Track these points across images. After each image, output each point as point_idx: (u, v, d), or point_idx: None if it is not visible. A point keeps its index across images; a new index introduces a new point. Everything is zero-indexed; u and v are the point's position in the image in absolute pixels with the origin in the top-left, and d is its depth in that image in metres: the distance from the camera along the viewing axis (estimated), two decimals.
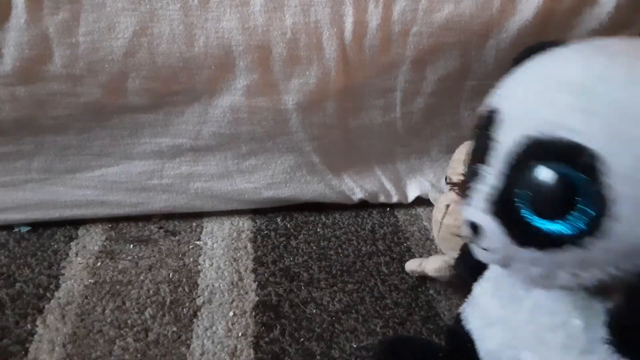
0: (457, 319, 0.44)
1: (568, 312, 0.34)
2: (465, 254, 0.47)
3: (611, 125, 0.28)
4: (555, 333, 0.34)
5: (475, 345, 0.40)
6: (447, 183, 0.64)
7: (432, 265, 0.61)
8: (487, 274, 0.42)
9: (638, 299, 0.31)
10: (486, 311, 0.40)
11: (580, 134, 0.28)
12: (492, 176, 0.33)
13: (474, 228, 0.34)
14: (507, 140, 0.32)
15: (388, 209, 0.78)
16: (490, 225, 0.33)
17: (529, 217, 0.31)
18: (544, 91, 0.31)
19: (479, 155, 0.34)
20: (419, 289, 0.63)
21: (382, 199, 0.78)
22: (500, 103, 0.34)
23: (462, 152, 0.64)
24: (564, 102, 0.30)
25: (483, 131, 0.35)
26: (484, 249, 0.34)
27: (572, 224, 0.29)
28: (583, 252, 0.29)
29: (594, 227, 0.28)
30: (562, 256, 0.30)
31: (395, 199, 0.78)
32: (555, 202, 0.30)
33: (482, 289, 0.42)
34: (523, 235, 0.31)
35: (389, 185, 0.78)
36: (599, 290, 0.33)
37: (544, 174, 0.29)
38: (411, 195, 0.78)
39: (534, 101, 0.32)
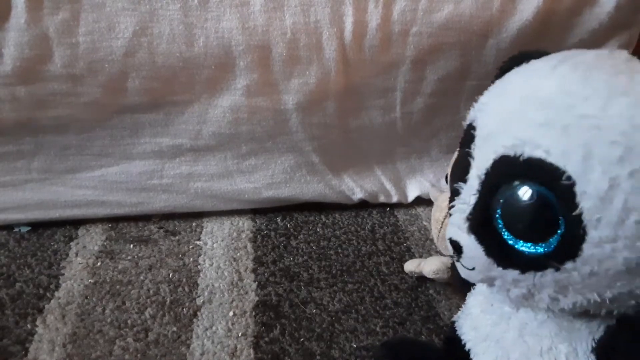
0: (452, 328, 0.44)
1: (553, 336, 0.34)
2: None
3: (585, 146, 0.27)
4: (543, 358, 0.34)
5: (471, 357, 0.40)
6: None
7: (429, 267, 0.61)
8: (479, 286, 0.42)
9: (626, 333, 0.31)
10: (478, 325, 0.40)
11: (554, 154, 0.27)
12: (469, 193, 0.32)
13: (456, 246, 0.33)
14: (481, 157, 0.31)
15: (388, 209, 0.78)
16: (471, 245, 0.32)
17: (507, 237, 0.30)
18: (518, 108, 0.30)
19: (459, 172, 0.34)
20: (419, 289, 0.63)
21: (382, 199, 0.78)
22: (476, 118, 0.34)
23: None
24: (537, 119, 0.29)
25: (462, 147, 0.34)
26: (467, 268, 0.34)
27: (548, 246, 0.28)
28: (561, 275, 0.29)
29: (570, 249, 0.28)
30: (542, 279, 0.30)
31: (395, 199, 0.78)
32: (531, 224, 0.29)
33: (475, 300, 0.42)
34: (503, 256, 0.31)
35: (389, 185, 0.78)
36: (583, 314, 0.32)
37: (518, 194, 0.29)
38: (411, 195, 0.78)
39: (507, 118, 0.31)
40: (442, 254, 0.66)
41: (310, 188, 0.75)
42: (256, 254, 0.68)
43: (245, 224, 0.74)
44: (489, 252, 0.31)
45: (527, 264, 0.30)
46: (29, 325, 0.57)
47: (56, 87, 0.61)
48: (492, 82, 0.37)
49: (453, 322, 0.44)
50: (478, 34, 0.66)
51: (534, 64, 0.33)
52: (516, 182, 0.29)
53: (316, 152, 0.73)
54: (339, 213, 0.77)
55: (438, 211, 0.62)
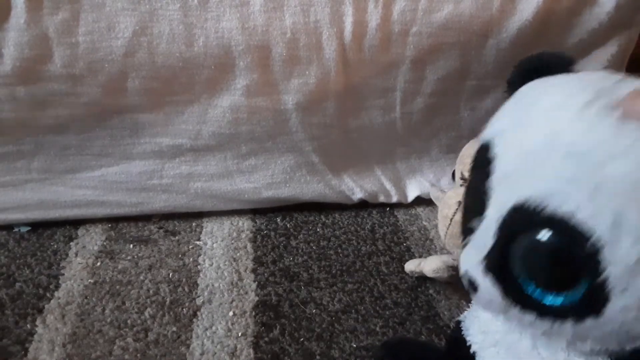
0: (458, 328, 0.43)
1: (570, 351, 0.33)
2: None
3: (617, 211, 0.25)
4: None
5: (476, 358, 0.40)
6: (461, 178, 0.63)
7: (430, 266, 0.61)
8: None
9: None
10: (488, 329, 0.39)
11: (582, 214, 0.26)
12: (486, 234, 0.31)
13: (472, 283, 0.32)
14: (501, 198, 0.30)
15: (388, 209, 0.78)
16: (486, 285, 0.31)
17: (526, 285, 0.29)
18: (541, 151, 0.28)
19: (474, 205, 0.32)
20: (419, 289, 0.63)
21: (382, 199, 0.78)
22: (496, 144, 0.31)
23: (473, 146, 0.64)
24: (564, 172, 0.27)
25: (478, 171, 0.32)
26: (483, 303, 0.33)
27: (570, 300, 0.27)
28: (581, 327, 0.28)
29: (591, 307, 0.27)
30: (561, 327, 0.29)
31: (395, 199, 0.78)
32: (552, 276, 0.28)
33: None
34: (520, 300, 0.30)
35: (388, 185, 0.78)
36: None
37: (540, 246, 0.27)
38: (411, 195, 0.78)
39: (529, 160, 0.28)
40: (448, 251, 0.65)
41: (310, 188, 0.75)
42: (256, 254, 0.68)
43: (245, 224, 0.74)
44: (505, 294, 0.30)
45: (546, 310, 0.29)
46: (28, 325, 0.57)
47: (56, 87, 0.61)
48: (509, 82, 0.35)
49: (459, 322, 0.43)
50: (478, 34, 0.66)
51: (560, 90, 0.30)
52: (538, 233, 0.27)
53: (316, 152, 0.73)
54: (338, 213, 0.77)
55: (446, 208, 0.61)
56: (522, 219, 0.28)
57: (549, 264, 0.28)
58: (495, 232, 0.30)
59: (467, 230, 0.33)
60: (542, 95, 0.31)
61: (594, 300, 0.27)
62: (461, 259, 0.34)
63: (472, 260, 0.32)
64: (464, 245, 0.34)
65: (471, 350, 0.40)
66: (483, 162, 0.32)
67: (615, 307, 0.26)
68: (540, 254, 0.28)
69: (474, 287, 0.32)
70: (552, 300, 0.28)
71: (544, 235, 0.27)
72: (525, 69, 0.34)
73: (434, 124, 0.75)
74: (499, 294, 0.31)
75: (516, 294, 0.30)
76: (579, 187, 0.26)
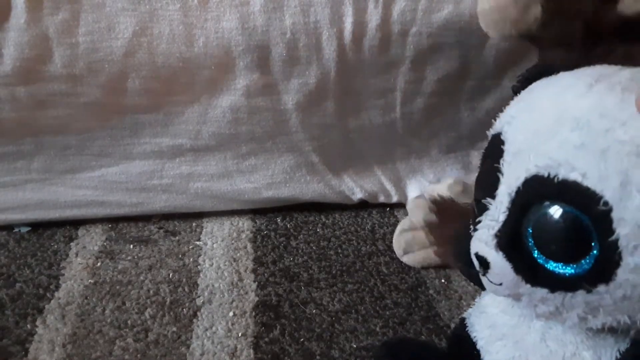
0: (462, 325, 0.43)
1: (579, 342, 0.34)
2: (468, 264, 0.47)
3: (623, 172, 0.26)
4: None
5: (481, 355, 0.40)
6: None
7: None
8: None
9: None
10: (495, 323, 0.39)
11: (591, 178, 0.27)
12: (498, 210, 0.32)
13: (482, 262, 0.33)
14: (512, 174, 0.31)
15: (388, 209, 0.78)
16: (499, 262, 0.32)
17: (538, 257, 0.30)
18: (551, 125, 0.30)
19: (486, 186, 0.33)
20: (419, 289, 0.63)
21: (382, 199, 0.78)
22: (505, 131, 0.33)
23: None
24: (573, 140, 0.28)
25: (488, 159, 0.33)
26: (494, 283, 0.33)
27: (580, 268, 0.28)
28: (593, 297, 0.29)
29: (603, 273, 0.28)
30: (572, 299, 0.30)
31: (395, 199, 0.78)
32: (563, 245, 0.29)
33: (491, 299, 0.41)
34: (532, 274, 0.31)
35: (388, 185, 0.78)
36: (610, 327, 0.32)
37: (551, 215, 0.29)
38: (411, 195, 0.78)
39: (539, 135, 0.30)
40: None
41: (310, 188, 0.75)
42: (256, 254, 0.68)
43: (245, 224, 0.74)
44: (517, 269, 0.31)
45: (557, 283, 0.30)
46: (29, 326, 0.57)
47: (56, 87, 0.61)
48: (514, 91, 0.36)
49: (463, 319, 0.43)
50: (478, 34, 0.66)
51: (565, 78, 0.32)
52: (549, 203, 0.29)
53: (316, 152, 0.73)
54: (339, 213, 0.77)
55: None
56: (535, 189, 0.29)
57: (560, 233, 0.29)
58: (507, 207, 0.31)
59: (476, 214, 0.34)
60: (548, 84, 0.33)
61: (606, 264, 0.27)
62: (472, 243, 0.34)
63: (483, 238, 0.33)
64: (474, 230, 0.34)
65: (477, 346, 0.40)
66: (493, 151, 0.33)
67: (627, 268, 0.27)
68: (550, 223, 0.29)
69: (485, 266, 0.33)
70: (564, 269, 0.29)
71: (554, 204, 0.28)
72: (528, 78, 0.35)
73: (434, 124, 0.75)
74: (511, 270, 0.31)
75: (528, 268, 0.31)
76: (586, 152, 0.27)
